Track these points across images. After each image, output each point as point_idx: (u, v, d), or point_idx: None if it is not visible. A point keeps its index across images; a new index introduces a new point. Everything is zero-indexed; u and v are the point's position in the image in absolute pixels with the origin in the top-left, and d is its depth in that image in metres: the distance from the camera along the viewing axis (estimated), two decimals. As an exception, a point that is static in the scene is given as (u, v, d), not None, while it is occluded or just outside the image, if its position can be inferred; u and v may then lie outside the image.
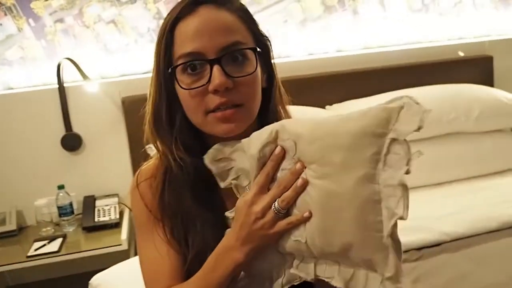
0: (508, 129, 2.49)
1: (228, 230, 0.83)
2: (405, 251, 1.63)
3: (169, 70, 0.83)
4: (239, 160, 0.82)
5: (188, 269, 0.87)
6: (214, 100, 0.81)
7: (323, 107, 2.41)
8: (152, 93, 0.88)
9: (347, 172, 0.69)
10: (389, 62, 2.61)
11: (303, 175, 0.73)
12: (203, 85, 0.81)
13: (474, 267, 1.57)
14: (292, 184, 0.74)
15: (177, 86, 0.84)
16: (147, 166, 0.96)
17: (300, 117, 0.83)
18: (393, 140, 0.67)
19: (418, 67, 2.63)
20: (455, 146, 2.31)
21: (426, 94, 2.35)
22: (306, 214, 0.73)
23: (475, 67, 2.75)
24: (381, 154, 0.68)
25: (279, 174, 0.77)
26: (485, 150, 2.33)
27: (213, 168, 0.83)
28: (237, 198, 0.83)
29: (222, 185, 0.83)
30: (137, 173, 0.96)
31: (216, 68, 0.79)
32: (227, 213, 0.83)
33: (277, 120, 0.91)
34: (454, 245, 1.67)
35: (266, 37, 0.90)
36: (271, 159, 0.77)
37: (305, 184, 0.73)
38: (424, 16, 2.75)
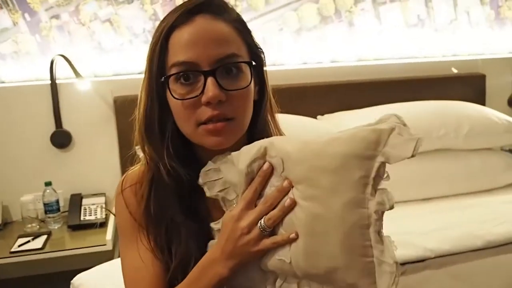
0: (498, 147, 2.52)
1: (211, 242, 0.82)
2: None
3: (162, 79, 0.82)
4: (226, 172, 0.81)
5: (171, 278, 0.86)
6: (206, 112, 0.80)
7: (315, 117, 2.42)
8: (144, 99, 0.86)
9: (335, 195, 0.68)
10: (383, 75, 2.63)
11: (290, 194, 0.73)
12: (196, 96, 0.80)
13: (457, 285, 1.57)
14: (279, 202, 0.74)
15: (168, 95, 0.83)
16: (133, 171, 0.94)
17: (290, 134, 0.83)
18: (383, 163, 0.67)
19: (411, 81, 2.65)
20: (443, 162, 2.31)
21: (417, 109, 2.37)
22: (293, 235, 0.72)
23: (467, 84, 2.77)
24: (369, 177, 0.67)
25: (267, 191, 0.76)
26: (473, 167, 2.34)
27: (200, 178, 0.82)
28: (223, 209, 0.83)
29: (208, 194, 0.83)
30: (122, 178, 0.95)
31: (210, 80, 0.79)
32: (212, 224, 0.83)
33: (266, 132, 0.91)
34: (438, 262, 1.67)
35: (261, 49, 0.90)
36: (259, 175, 0.77)
37: (293, 204, 0.72)
38: (420, 31, 2.77)
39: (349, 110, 2.44)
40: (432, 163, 2.30)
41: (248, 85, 0.83)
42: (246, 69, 0.83)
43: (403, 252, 1.67)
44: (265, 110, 0.91)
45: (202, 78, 0.79)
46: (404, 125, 0.68)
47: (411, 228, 1.88)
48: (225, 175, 0.82)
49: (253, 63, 0.85)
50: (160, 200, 0.88)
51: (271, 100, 0.93)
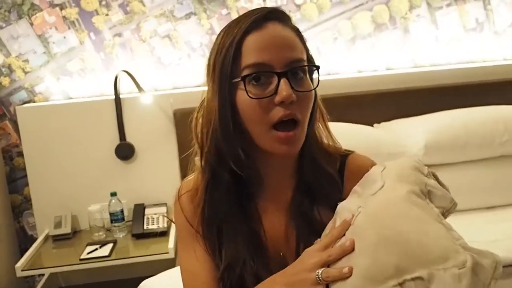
0: None
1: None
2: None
3: (239, 79, 0.84)
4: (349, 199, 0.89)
5: (219, 279, 0.91)
6: (278, 112, 0.83)
7: (371, 125, 2.40)
8: (217, 105, 0.86)
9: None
10: (440, 81, 2.57)
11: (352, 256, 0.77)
12: (269, 96, 0.83)
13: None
14: (339, 255, 0.78)
15: (240, 96, 0.85)
16: (189, 179, 0.99)
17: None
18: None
19: (470, 87, 2.57)
20: (507, 169, 2.24)
21: (478, 115, 2.30)
22: None
23: (531, 88, 2.67)
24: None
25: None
26: (539, 174, 2.25)
27: None
28: (273, 213, 0.92)
29: None
30: (179, 186, 1.00)
31: (283, 81, 0.82)
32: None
33: (318, 138, 0.96)
34: (504, 272, 1.61)
35: (313, 58, 0.93)
36: (341, 224, 0.82)
37: (349, 274, 0.75)
38: (478, 35, 2.70)
39: (406, 118, 2.41)
40: (495, 170, 2.24)
41: (315, 87, 0.88)
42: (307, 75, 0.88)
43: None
44: (315, 117, 0.94)
45: (275, 79, 0.83)
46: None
47: (474, 237, 1.80)
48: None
49: (319, 67, 0.89)
50: (215, 202, 0.92)
51: (321, 108, 0.96)
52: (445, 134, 2.18)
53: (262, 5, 2.44)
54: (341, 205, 0.88)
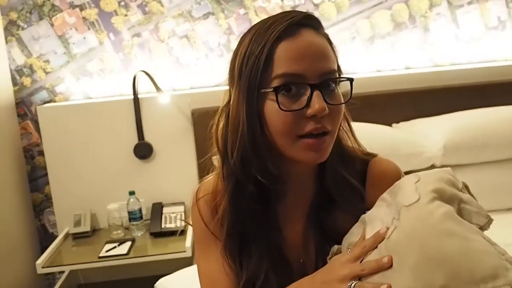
0: None
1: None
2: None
3: (270, 90, 0.80)
4: (377, 208, 0.85)
5: None
6: (308, 125, 0.80)
7: (390, 125, 2.38)
8: (245, 116, 0.82)
9: None
10: (460, 81, 2.53)
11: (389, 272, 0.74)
12: (300, 108, 0.79)
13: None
14: (373, 270, 0.75)
15: (269, 106, 0.81)
16: (207, 181, 0.96)
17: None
18: None
19: (492, 86, 2.52)
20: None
21: (498, 115, 2.26)
22: None
23: (554, 87, 2.61)
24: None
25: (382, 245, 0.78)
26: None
27: None
28: (292, 219, 0.89)
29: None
30: (196, 188, 0.97)
31: (316, 93, 0.78)
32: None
33: (342, 140, 0.92)
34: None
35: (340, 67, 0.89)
36: (374, 236, 0.78)
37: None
38: (500, 33, 2.65)
39: (425, 118, 2.38)
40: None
41: (347, 100, 0.84)
42: (343, 85, 0.85)
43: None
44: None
45: (308, 91, 0.79)
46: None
47: (494, 239, 1.79)
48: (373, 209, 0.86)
49: (353, 79, 0.85)
50: (238, 213, 0.89)
51: (345, 110, 0.92)
52: (465, 135, 2.15)
53: (279, 4, 2.43)
54: (370, 214, 0.84)
